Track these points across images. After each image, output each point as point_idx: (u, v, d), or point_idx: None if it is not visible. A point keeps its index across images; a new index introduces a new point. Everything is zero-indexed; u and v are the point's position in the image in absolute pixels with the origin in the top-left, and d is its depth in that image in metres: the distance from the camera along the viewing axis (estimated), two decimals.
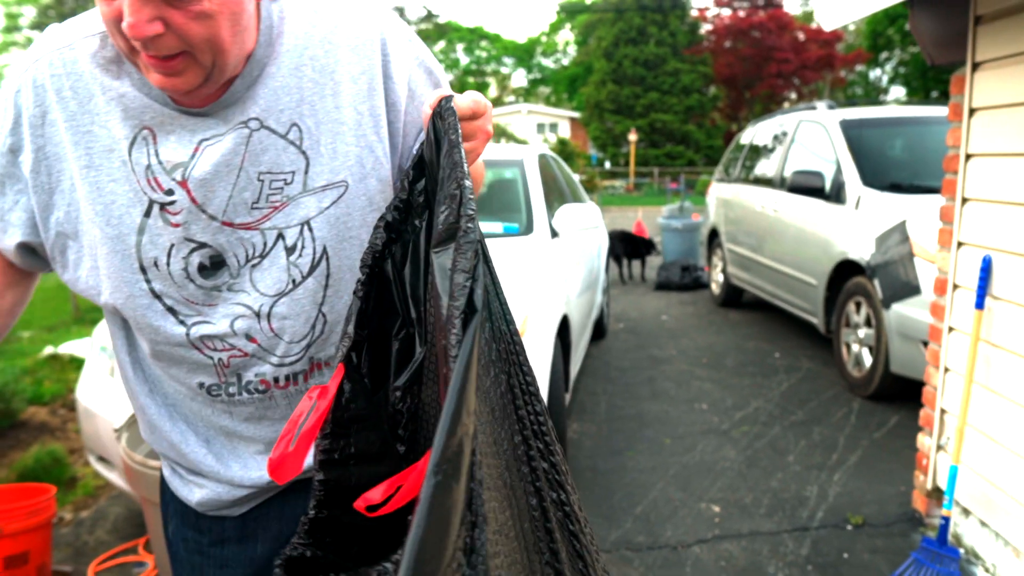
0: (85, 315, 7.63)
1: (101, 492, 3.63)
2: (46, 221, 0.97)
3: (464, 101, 0.91)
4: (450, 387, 0.56)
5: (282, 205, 0.97)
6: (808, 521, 3.13)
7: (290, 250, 0.99)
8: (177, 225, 0.95)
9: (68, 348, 5.78)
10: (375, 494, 0.69)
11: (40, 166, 0.95)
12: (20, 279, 1.04)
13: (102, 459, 3.08)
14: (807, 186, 5.42)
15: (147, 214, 0.94)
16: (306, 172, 0.98)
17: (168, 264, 0.96)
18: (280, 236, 0.98)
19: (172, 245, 0.95)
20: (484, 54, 55.46)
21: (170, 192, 0.94)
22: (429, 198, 0.94)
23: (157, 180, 0.93)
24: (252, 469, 1.09)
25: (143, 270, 0.96)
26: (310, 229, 0.99)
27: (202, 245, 0.97)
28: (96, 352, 3.20)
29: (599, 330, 6.07)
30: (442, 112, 0.89)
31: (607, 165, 35.98)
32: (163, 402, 1.10)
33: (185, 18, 0.82)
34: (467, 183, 0.81)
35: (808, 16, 36.66)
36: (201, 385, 1.03)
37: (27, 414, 4.50)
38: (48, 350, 5.81)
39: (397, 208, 0.94)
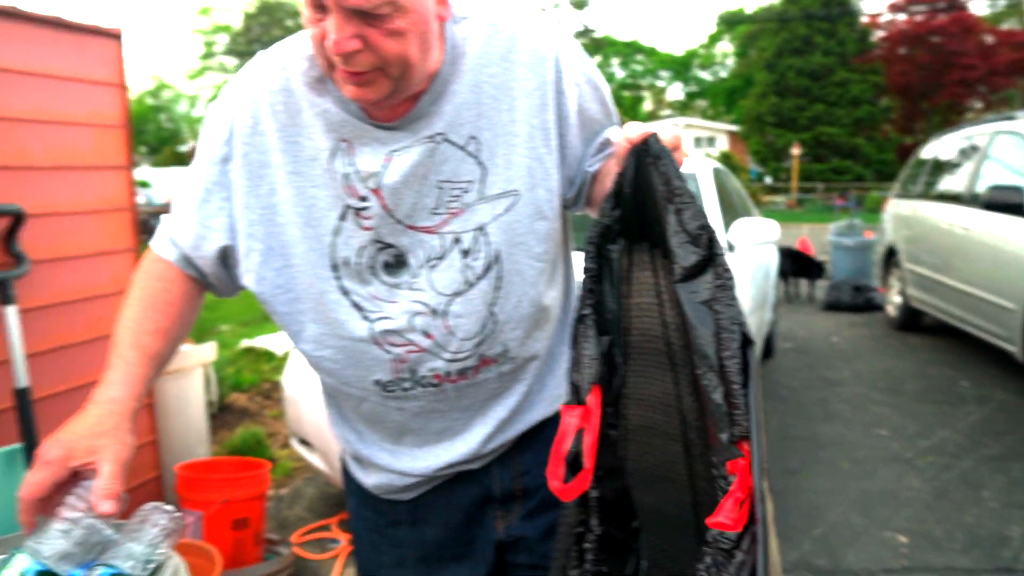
0: None
1: (297, 473, 3.97)
2: (241, 223, 1.09)
3: (666, 136, 0.97)
4: (752, 413, 0.64)
5: (459, 211, 1.06)
6: (1012, 563, 2.91)
7: (465, 253, 1.06)
8: (368, 228, 1.05)
9: (261, 342, 6.33)
10: (727, 516, 0.76)
11: (244, 172, 1.08)
12: (198, 295, 1.17)
13: (303, 442, 3.37)
14: (1004, 202, 5.03)
15: (342, 217, 1.05)
16: (482, 181, 1.06)
17: (357, 262, 1.06)
18: (456, 240, 1.07)
19: (362, 246, 1.06)
20: (640, 68, 55.17)
21: (364, 198, 1.04)
22: (625, 227, 1.01)
23: (353, 187, 1.04)
24: (420, 460, 1.18)
25: (335, 268, 1.06)
26: (484, 234, 1.07)
27: (388, 246, 1.07)
28: None
29: (767, 349, 5.90)
30: (656, 152, 0.95)
31: (768, 180, 34.69)
32: (339, 404, 1.23)
33: (381, 35, 0.91)
34: (709, 222, 0.89)
35: (998, 17, 33.59)
36: (377, 382, 1.12)
37: (230, 399, 4.99)
38: (244, 343, 6.39)
39: (602, 235, 1.01)
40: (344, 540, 3.17)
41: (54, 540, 1.04)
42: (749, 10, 45.00)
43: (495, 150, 1.06)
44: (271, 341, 6.36)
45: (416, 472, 1.18)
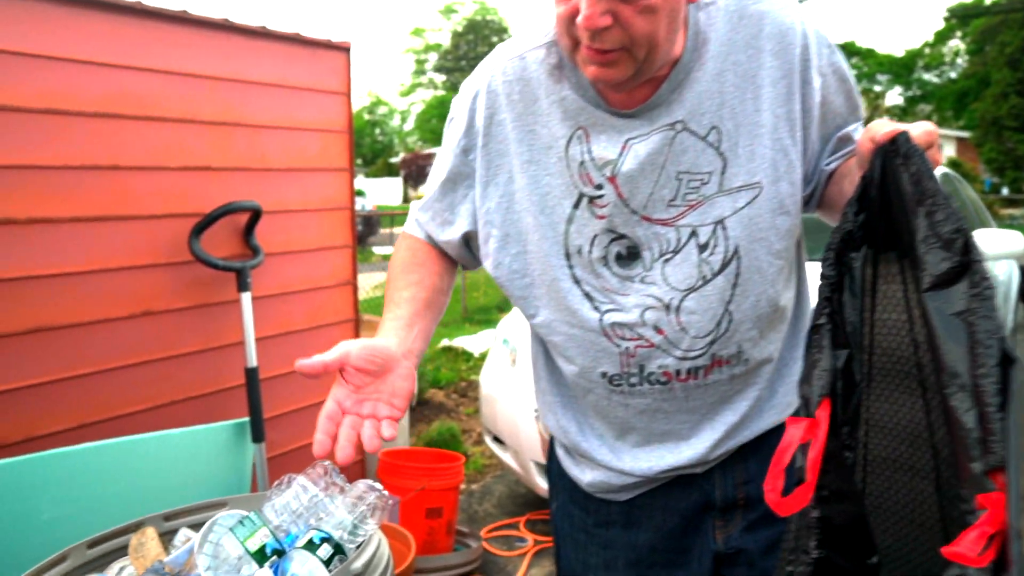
0: (473, 315, 8.65)
1: (488, 470, 4.07)
2: (480, 211, 1.12)
3: (918, 133, 0.86)
4: (1010, 440, 0.53)
5: (697, 204, 1.02)
6: None
7: (702, 248, 1.03)
8: (602, 217, 1.03)
9: (459, 342, 6.59)
10: (969, 548, 0.66)
11: (483, 161, 1.10)
12: (452, 269, 1.22)
13: (497, 439, 3.45)
14: None
15: (576, 206, 1.04)
16: (722, 173, 1.01)
17: (590, 252, 1.04)
18: (693, 233, 1.03)
19: (595, 235, 1.04)
20: (856, 71, 51.48)
21: (599, 187, 1.03)
22: (869, 234, 0.91)
23: (589, 175, 1.03)
24: (642, 460, 1.13)
25: (567, 256, 1.06)
26: (723, 228, 1.02)
27: (621, 236, 1.04)
28: (499, 344, 3.59)
29: None
30: (905, 152, 0.86)
31: (1004, 191, 30.98)
32: (563, 393, 1.19)
33: (632, 12, 0.89)
34: (966, 225, 0.78)
35: None
36: (604, 375, 1.09)
37: (429, 394, 5.23)
38: (444, 342, 6.69)
39: (843, 241, 0.92)
40: (531, 540, 3.19)
41: (284, 506, 1.12)
42: (987, 2, 40.49)
43: (737, 140, 1.02)
44: (469, 342, 6.61)
45: (637, 472, 1.14)
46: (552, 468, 1.30)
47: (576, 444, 1.18)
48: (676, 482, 1.15)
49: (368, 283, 12.57)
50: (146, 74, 2.42)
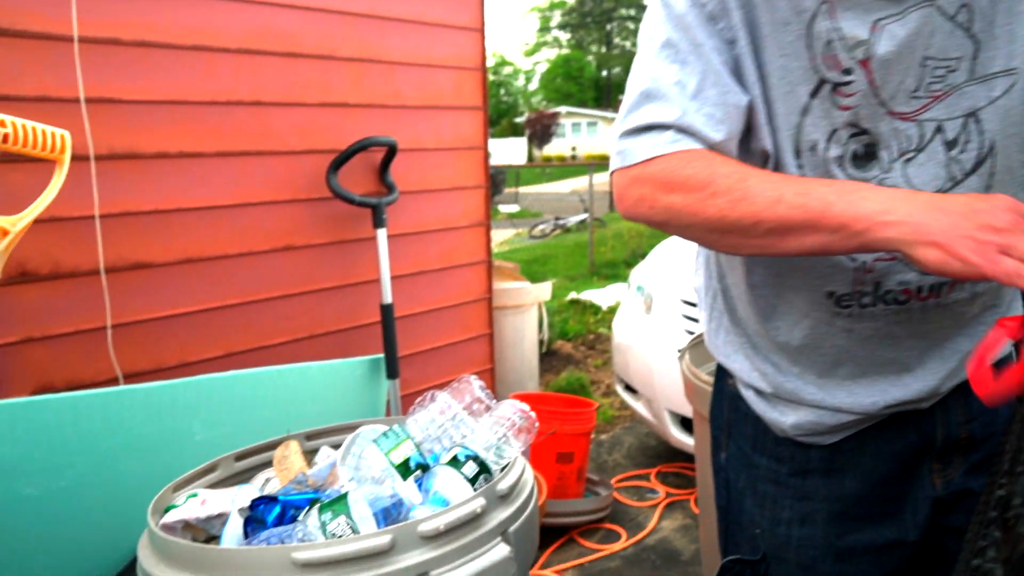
0: (600, 270, 8.52)
1: (617, 421, 3.98)
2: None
3: None
4: None
5: (943, 94, 0.87)
6: None
7: (950, 144, 0.88)
8: (846, 108, 0.88)
9: (587, 295, 6.50)
10: None
11: (732, 45, 0.90)
12: None
13: (629, 388, 3.35)
14: None
15: (814, 94, 0.88)
16: (973, 58, 0.86)
17: (826, 149, 0.89)
18: (939, 129, 0.88)
19: (835, 129, 0.89)
20: None
21: (847, 71, 0.87)
22: None
23: (836, 58, 0.87)
24: (861, 395, 0.98)
25: (797, 154, 0.90)
26: (977, 122, 0.88)
27: (862, 132, 0.89)
28: (633, 291, 3.47)
29: None
30: None
31: None
32: (757, 330, 1.05)
33: None
34: None
35: None
36: (831, 295, 0.95)
37: (557, 346, 5.18)
38: (571, 295, 6.62)
39: None
40: (662, 491, 3.09)
41: (428, 422, 1.07)
42: None
43: (993, 20, 0.86)
44: (597, 295, 6.50)
45: (857, 409, 0.99)
46: (722, 415, 1.16)
47: (778, 384, 1.03)
48: (890, 422, 1.00)
49: (495, 239, 12.69)
50: (287, 10, 2.43)
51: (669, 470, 3.32)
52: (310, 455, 1.38)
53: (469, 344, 3.10)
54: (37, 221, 2.01)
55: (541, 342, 4.39)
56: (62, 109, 1.96)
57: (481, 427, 1.09)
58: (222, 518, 1.15)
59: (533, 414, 1.11)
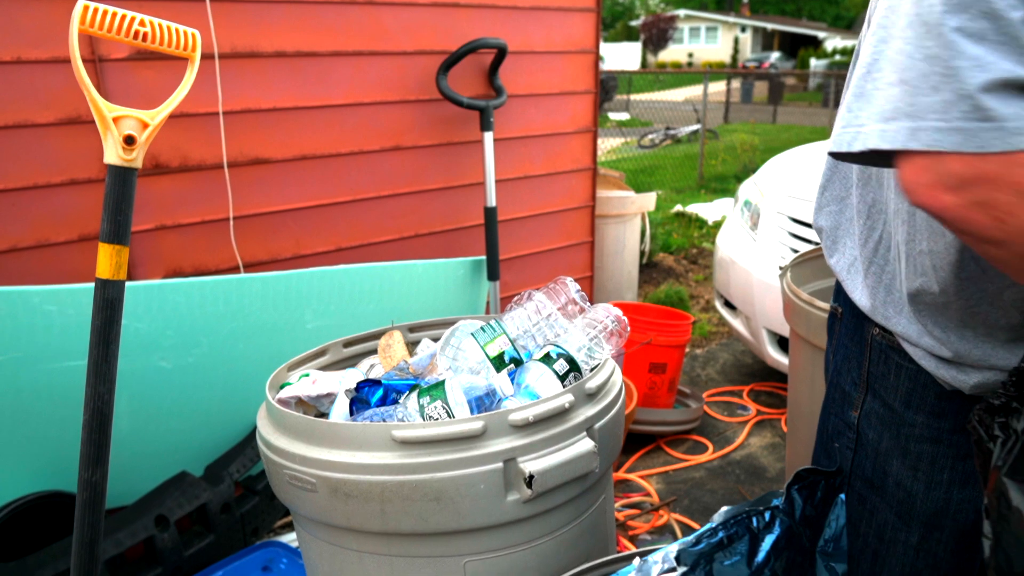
0: (708, 183, 8.28)
1: (714, 337, 3.96)
2: None
3: None
4: None
5: None
6: None
7: None
8: None
9: (693, 208, 6.36)
10: None
11: None
12: None
13: (728, 305, 3.31)
14: None
15: None
16: None
17: None
18: None
19: None
20: None
21: None
22: None
23: None
24: None
25: None
26: None
27: None
28: (740, 206, 3.38)
29: None
30: None
31: None
32: (968, 310, 0.90)
33: None
34: None
35: None
36: None
37: (658, 258, 5.13)
38: (676, 208, 6.49)
39: None
40: (753, 409, 3.09)
41: (523, 320, 1.12)
42: None
43: None
44: (703, 209, 6.35)
45: None
46: (859, 367, 1.04)
47: (964, 352, 0.92)
48: None
49: (603, 147, 12.45)
50: None
51: (762, 388, 3.31)
52: (412, 346, 1.46)
53: (570, 251, 3.13)
54: (169, 116, 2.15)
55: (642, 253, 4.36)
56: (188, 9, 2.04)
57: (574, 328, 1.12)
58: (331, 397, 1.25)
59: (625, 319, 1.13)
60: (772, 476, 2.64)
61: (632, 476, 2.57)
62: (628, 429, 2.60)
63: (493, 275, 2.60)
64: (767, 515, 0.76)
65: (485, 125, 2.55)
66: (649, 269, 4.87)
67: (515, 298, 1.19)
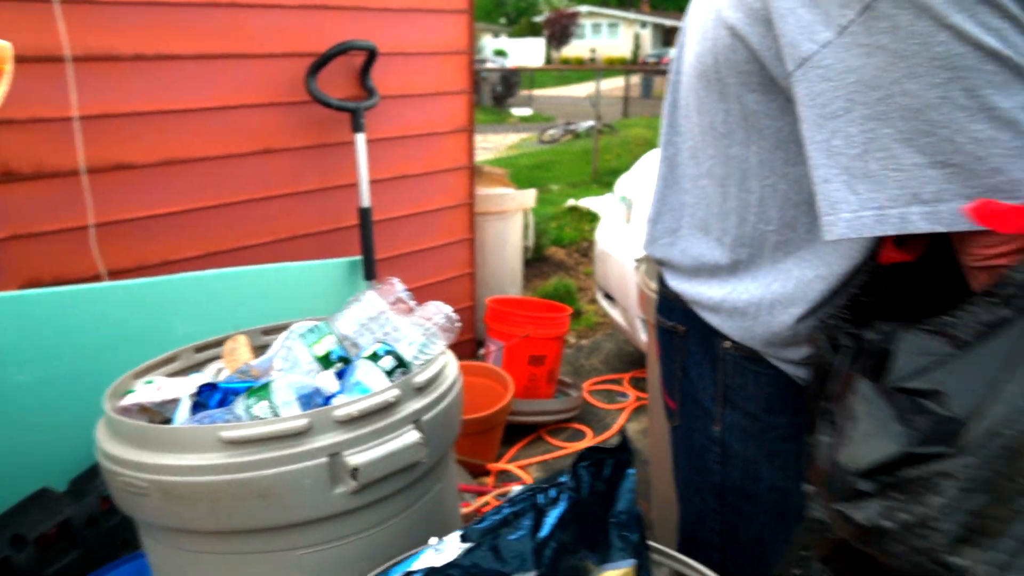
0: (602, 177, 8.50)
1: (599, 327, 4.10)
2: None
3: None
4: None
5: None
6: None
7: None
8: None
9: (586, 203, 6.53)
10: None
11: None
12: None
13: (608, 296, 3.44)
14: None
15: None
16: None
17: None
18: None
19: None
20: None
21: None
22: None
23: None
24: None
25: None
26: None
27: None
28: (616, 201, 3.51)
29: None
30: None
31: None
32: None
33: None
34: None
35: None
36: None
37: (549, 251, 5.26)
38: (570, 202, 6.65)
39: None
40: (632, 395, 3.23)
41: (353, 319, 1.17)
42: None
43: None
44: (596, 203, 6.53)
45: None
46: (713, 383, 1.07)
47: None
48: None
49: (504, 143, 12.58)
50: None
51: (643, 376, 3.46)
52: (264, 349, 1.49)
53: (450, 248, 3.19)
54: (19, 122, 2.09)
55: (526, 248, 4.46)
56: (36, 10, 1.99)
57: (406, 325, 1.18)
58: (176, 403, 1.26)
59: (455, 316, 1.20)
60: (646, 459, 2.77)
61: (511, 467, 2.65)
62: (507, 420, 2.68)
63: (370, 275, 2.63)
64: (552, 492, 0.84)
65: (356, 126, 2.58)
66: (540, 263, 4.99)
67: (351, 298, 1.24)
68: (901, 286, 0.85)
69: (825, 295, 0.90)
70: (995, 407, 0.60)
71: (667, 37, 47.28)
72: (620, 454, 0.91)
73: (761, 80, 0.86)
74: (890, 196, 0.71)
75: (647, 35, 45.93)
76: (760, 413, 1.03)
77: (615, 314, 3.34)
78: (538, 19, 48.59)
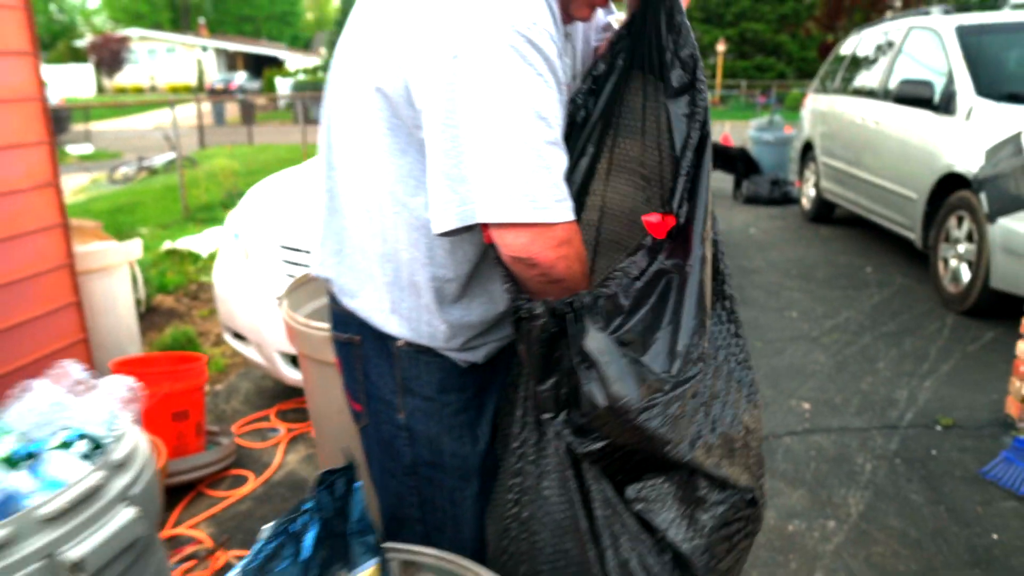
0: (194, 214, 8.08)
1: (231, 369, 4.00)
2: None
3: None
4: (699, 200, 0.80)
5: None
6: (897, 420, 3.24)
7: None
8: None
9: (184, 243, 6.19)
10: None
11: None
12: None
13: (237, 336, 3.40)
14: (914, 96, 5.24)
15: None
16: None
17: None
18: None
19: None
20: None
21: None
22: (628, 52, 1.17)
23: None
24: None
25: None
26: None
27: None
28: (230, 239, 3.47)
29: None
30: None
31: None
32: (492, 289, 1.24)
33: None
34: (698, 52, 1.05)
35: None
36: None
37: (157, 301, 4.92)
38: (167, 245, 6.24)
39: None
40: (283, 428, 3.26)
41: (28, 411, 1.09)
42: None
43: None
44: (194, 242, 6.23)
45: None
46: (391, 380, 1.30)
47: (479, 342, 1.27)
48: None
49: (68, 187, 11.10)
50: None
51: (287, 407, 3.50)
52: None
53: (53, 316, 2.86)
54: None
55: (139, 302, 4.16)
56: None
57: (86, 405, 1.14)
58: None
59: (136, 383, 1.19)
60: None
61: (180, 530, 2.52)
62: (164, 484, 2.53)
63: None
64: (302, 519, 0.93)
65: None
66: (151, 315, 4.66)
67: (10, 391, 1.14)
68: None
69: (457, 293, 1.20)
70: None
71: (231, 61, 45.97)
72: (347, 472, 1.04)
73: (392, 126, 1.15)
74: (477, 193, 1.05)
75: (210, 59, 44.14)
76: (435, 395, 1.25)
77: (249, 352, 3.32)
78: (80, 43, 43.53)
